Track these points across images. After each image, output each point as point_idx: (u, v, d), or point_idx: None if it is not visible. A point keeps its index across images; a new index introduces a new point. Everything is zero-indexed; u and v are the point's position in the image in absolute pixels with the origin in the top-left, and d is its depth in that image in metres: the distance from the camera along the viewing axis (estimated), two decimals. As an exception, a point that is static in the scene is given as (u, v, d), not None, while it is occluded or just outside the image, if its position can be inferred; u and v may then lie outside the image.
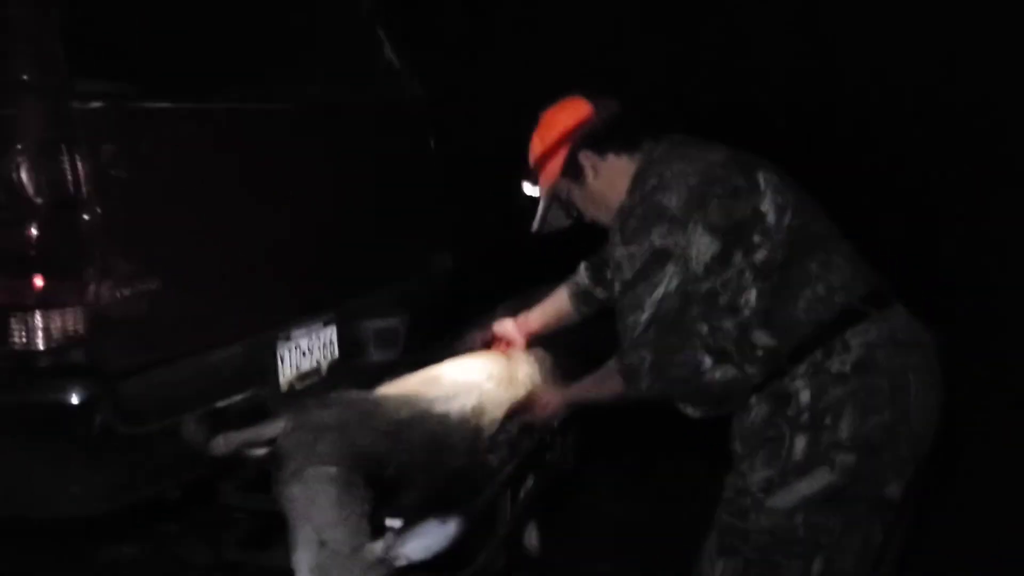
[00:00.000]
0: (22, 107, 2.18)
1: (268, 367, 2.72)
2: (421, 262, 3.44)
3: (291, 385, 2.80)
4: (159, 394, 2.36)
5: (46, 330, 2.15)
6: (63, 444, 2.26)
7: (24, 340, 2.15)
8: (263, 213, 2.67)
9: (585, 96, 2.10)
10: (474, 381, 2.30)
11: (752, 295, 1.80)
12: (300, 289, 2.81)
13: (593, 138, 2.03)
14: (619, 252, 1.90)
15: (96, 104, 2.25)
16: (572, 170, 2.05)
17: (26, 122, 2.17)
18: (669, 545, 2.42)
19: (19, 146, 2.13)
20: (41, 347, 2.16)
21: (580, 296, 2.54)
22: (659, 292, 1.83)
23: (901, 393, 1.77)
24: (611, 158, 2.02)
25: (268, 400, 2.67)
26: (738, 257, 1.80)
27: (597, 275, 2.48)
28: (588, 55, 5.13)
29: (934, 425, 1.83)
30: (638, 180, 1.95)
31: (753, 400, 1.85)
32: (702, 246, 1.81)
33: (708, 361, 1.83)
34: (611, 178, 2.02)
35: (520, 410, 2.30)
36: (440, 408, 2.16)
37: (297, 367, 2.82)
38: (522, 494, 2.37)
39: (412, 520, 1.77)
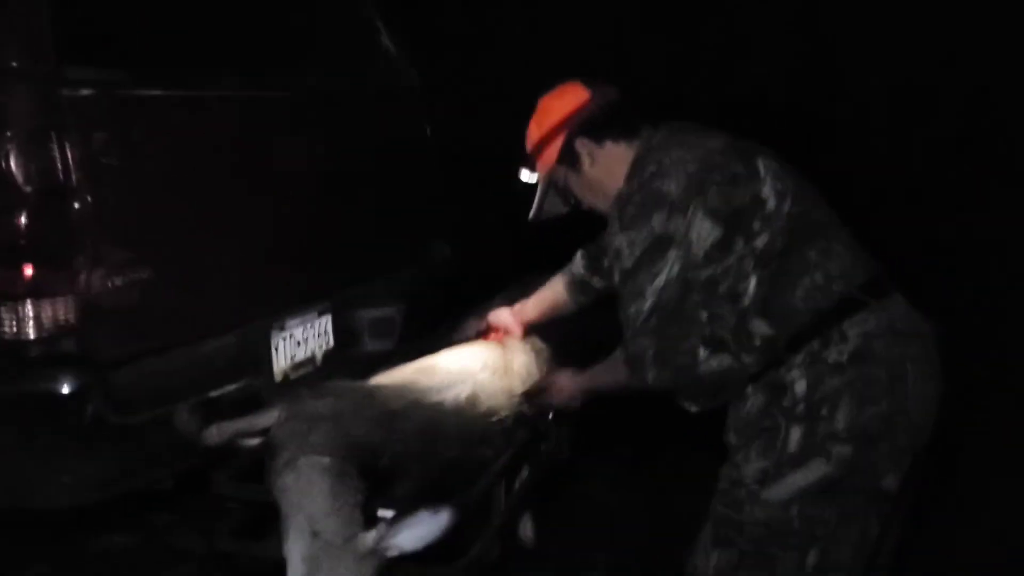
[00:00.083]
0: (11, 95, 2.15)
1: (262, 356, 2.71)
2: (417, 251, 3.43)
3: (285, 375, 2.79)
4: (151, 383, 2.35)
5: (37, 319, 2.14)
6: (54, 434, 2.25)
7: (15, 330, 2.14)
8: (257, 202, 2.65)
9: (583, 82, 2.08)
10: (469, 371, 2.29)
11: (752, 283, 1.78)
12: (295, 278, 2.79)
13: (591, 125, 2.01)
14: (618, 239, 1.88)
15: (86, 91, 2.23)
16: (569, 157, 2.03)
17: (15, 110, 2.15)
18: (664, 536, 2.42)
19: (8, 134, 2.11)
20: (32, 336, 2.15)
21: (577, 285, 2.52)
22: (660, 280, 1.80)
23: (899, 383, 1.75)
24: (609, 145, 2.00)
25: (262, 390, 2.66)
26: (739, 244, 1.78)
27: (594, 264, 2.46)
28: (587, 51, 5.11)
29: (932, 416, 1.81)
30: (636, 167, 1.93)
31: (749, 390, 1.83)
32: (703, 232, 1.79)
33: (704, 350, 1.81)
34: (609, 165, 1.99)
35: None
36: (435, 398, 2.16)
37: (291, 357, 2.81)
38: (517, 485, 2.37)
39: (405, 511, 1.75)
